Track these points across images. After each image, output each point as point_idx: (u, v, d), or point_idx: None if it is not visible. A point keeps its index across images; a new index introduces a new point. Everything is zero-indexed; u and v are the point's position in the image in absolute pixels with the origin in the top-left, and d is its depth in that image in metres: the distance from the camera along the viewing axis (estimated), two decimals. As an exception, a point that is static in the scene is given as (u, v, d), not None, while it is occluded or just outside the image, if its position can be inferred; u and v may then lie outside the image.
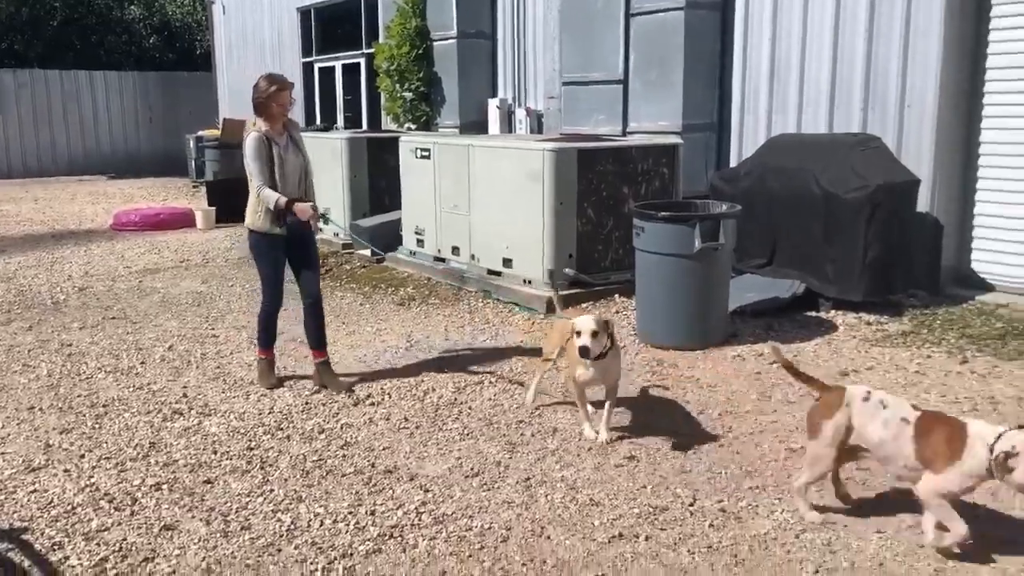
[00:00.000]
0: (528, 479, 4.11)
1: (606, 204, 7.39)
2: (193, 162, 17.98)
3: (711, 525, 3.65)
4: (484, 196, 7.85)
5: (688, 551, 3.45)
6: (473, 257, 8.06)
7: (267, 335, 5.61)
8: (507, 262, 7.64)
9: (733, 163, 8.65)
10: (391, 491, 4.02)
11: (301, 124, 15.93)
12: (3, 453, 4.49)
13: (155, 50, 25.30)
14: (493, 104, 11.66)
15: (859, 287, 6.70)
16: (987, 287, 7.27)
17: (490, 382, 5.51)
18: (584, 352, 4.31)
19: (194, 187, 17.42)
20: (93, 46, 23.99)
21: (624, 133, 9.26)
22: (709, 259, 6.02)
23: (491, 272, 7.83)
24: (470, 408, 5.06)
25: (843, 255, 6.73)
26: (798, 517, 3.68)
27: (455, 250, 8.32)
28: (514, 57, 11.60)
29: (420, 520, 3.74)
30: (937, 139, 7.20)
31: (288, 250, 5.47)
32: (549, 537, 3.59)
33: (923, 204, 7.17)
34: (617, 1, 9.20)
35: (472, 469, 4.23)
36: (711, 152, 9.02)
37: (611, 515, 3.75)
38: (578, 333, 4.35)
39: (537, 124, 11.22)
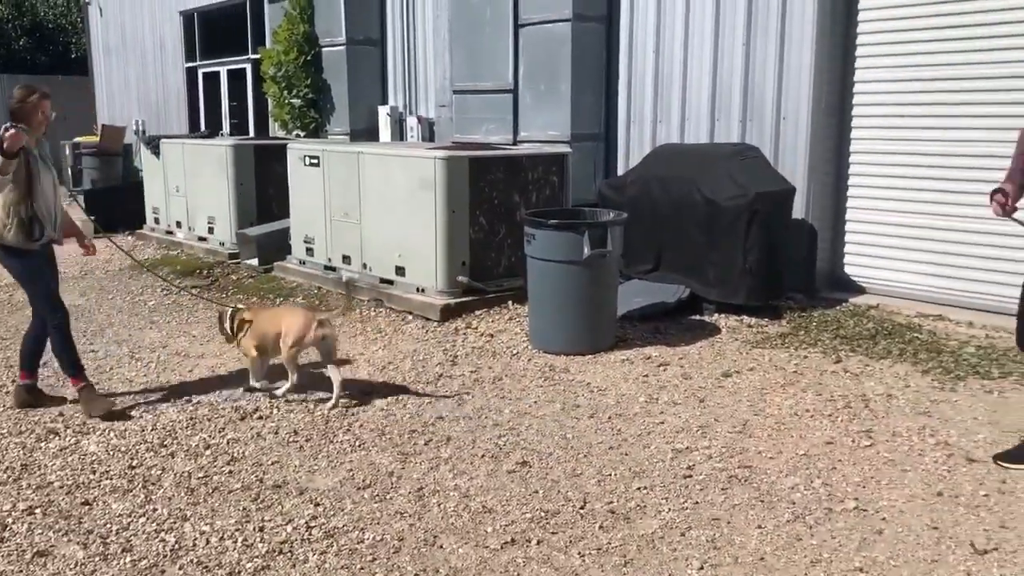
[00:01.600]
0: (421, 489, 4.10)
1: (498, 212, 7.45)
2: (70, 170, 17.18)
3: (601, 527, 3.72)
4: (375, 204, 7.79)
5: (579, 553, 3.51)
6: (365, 266, 7.99)
7: (72, 355, 5.19)
8: (400, 270, 7.60)
9: (620, 172, 8.85)
10: (280, 506, 3.94)
11: (185, 131, 15.51)
12: None
13: (26, 52, 24.09)
14: (384, 111, 11.59)
15: (740, 291, 6.95)
16: (859, 289, 7.66)
17: (382, 392, 5.46)
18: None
19: (70, 196, 16.63)
20: (-43, 47, 22.70)
21: (515, 142, 9.35)
22: (598, 265, 6.14)
23: (384, 280, 7.78)
24: (361, 419, 5.01)
25: (724, 260, 6.98)
26: (684, 516, 3.80)
27: (346, 259, 8.23)
28: (404, 65, 11.56)
29: (310, 535, 3.68)
30: (811, 150, 7.56)
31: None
32: (442, 546, 3.59)
33: (799, 211, 7.50)
34: (506, 11, 9.30)
35: (364, 481, 4.19)
36: (599, 161, 9.20)
37: (504, 521, 3.78)
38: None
39: (429, 132, 11.21)
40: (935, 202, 7.20)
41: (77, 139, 17.12)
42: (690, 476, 4.21)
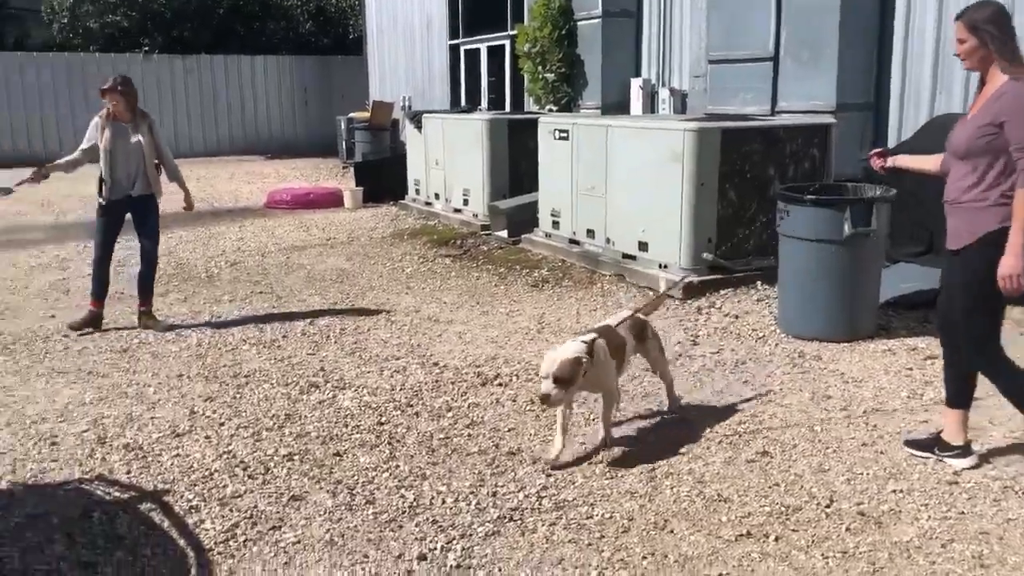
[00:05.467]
0: (653, 469, 3.98)
1: (750, 186, 7.09)
2: (344, 143, 18.58)
3: (848, 529, 3.42)
4: (621, 178, 7.69)
5: (822, 555, 3.24)
6: (608, 240, 7.93)
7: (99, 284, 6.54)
8: (643, 246, 7.47)
9: (891, 145, 8.12)
10: (513, 473, 3.99)
11: (447, 106, 16.19)
12: (153, 417, 4.75)
13: (311, 35, 26.27)
14: (636, 84, 11.43)
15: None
16: None
17: (620, 368, 5.38)
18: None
19: (344, 168, 18.00)
20: (255, 33, 25.15)
21: (773, 113, 8.86)
22: (859, 246, 5.66)
23: (626, 256, 7.68)
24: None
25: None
26: (947, 526, 3.40)
27: (590, 233, 8.21)
28: (659, 35, 11.31)
29: (541, 504, 3.69)
30: None
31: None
32: (672, 531, 3.46)
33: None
34: (768, -25, 8.79)
35: (596, 456, 4.14)
36: (867, 133, 8.50)
37: (739, 512, 3.58)
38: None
39: (681, 104, 10.92)
40: None
41: (351, 115, 18.45)
42: (956, 483, 3.77)
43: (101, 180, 6.34)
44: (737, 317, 6.34)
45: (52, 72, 21.04)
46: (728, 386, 5.04)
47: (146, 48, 23.02)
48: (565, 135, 8.47)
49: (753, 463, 4.04)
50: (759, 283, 6.97)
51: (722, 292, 6.87)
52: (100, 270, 6.47)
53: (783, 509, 3.60)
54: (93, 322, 6.46)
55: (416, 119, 12.10)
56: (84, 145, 6.40)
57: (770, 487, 3.80)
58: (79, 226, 11.20)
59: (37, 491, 3.89)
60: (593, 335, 4.12)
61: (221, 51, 23.27)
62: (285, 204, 12.90)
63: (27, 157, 19.87)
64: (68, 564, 3.28)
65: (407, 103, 18.06)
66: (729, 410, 4.67)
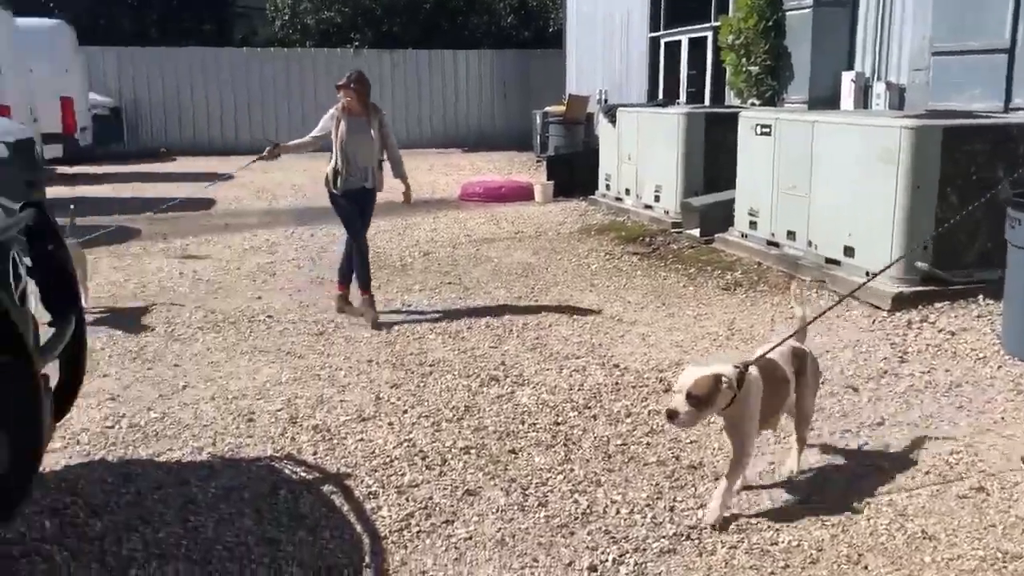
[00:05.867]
0: (848, 496, 3.66)
1: (974, 190, 6.41)
2: (538, 137, 18.70)
3: (1080, 588, 2.99)
4: (827, 177, 7.21)
5: (1046, 615, 2.85)
6: (810, 243, 7.46)
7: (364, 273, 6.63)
8: (848, 251, 6.97)
9: None
10: (693, 488, 3.79)
11: (643, 100, 15.92)
12: (342, 400, 4.91)
13: (512, 29, 26.67)
14: (848, 78, 10.71)
15: None
16: None
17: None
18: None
19: (537, 162, 18.13)
20: (458, 27, 25.83)
21: (1006, 110, 8.02)
22: (1105, 261, 4.99)
23: (829, 261, 7.19)
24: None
25: None
26: None
27: (790, 234, 7.76)
28: (876, 25, 10.54)
29: (721, 523, 3.47)
30: None
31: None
32: (867, 567, 3.16)
33: None
34: (1007, -43, 7.95)
35: (783, 477, 3.86)
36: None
37: (947, 554, 3.22)
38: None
39: (898, 100, 10.12)
40: None
41: (546, 108, 18.53)
42: None
43: (335, 171, 6.46)
44: (953, 334, 5.77)
45: (273, 67, 22.52)
46: (939, 410, 4.58)
47: (357, 43, 24.17)
48: (767, 130, 8.06)
49: (965, 499, 3.63)
50: (980, 297, 6.32)
51: (937, 305, 6.29)
52: (357, 257, 6.57)
53: (1000, 555, 3.20)
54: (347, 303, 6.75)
55: (611, 113, 11.95)
56: (316, 132, 6.58)
57: (985, 528, 3.39)
58: (289, 212, 11.90)
59: (233, 465, 4.09)
60: (748, 364, 3.50)
61: (427, 46, 24.05)
62: (478, 197, 13.13)
63: (250, 148, 21.53)
64: (254, 538, 3.41)
65: (603, 97, 17.92)
66: (939, 437, 4.24)
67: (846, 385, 4.95)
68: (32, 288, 3.17)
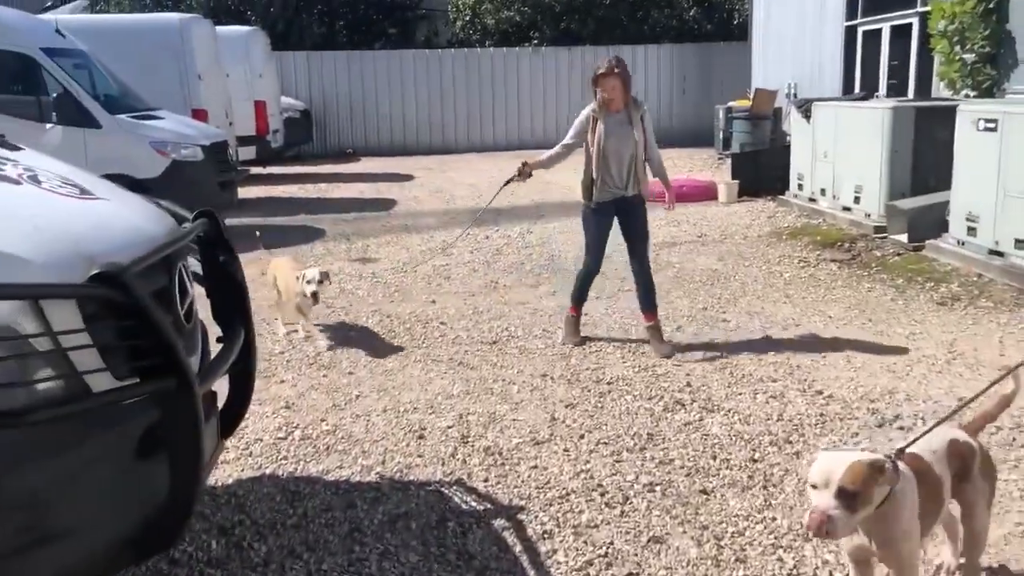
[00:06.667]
0: None
1: None
2: (720, 133, 17.88)
3: None
4: (1069, 179, 6.26)
5: None
6: (1045, 254, 6.52)
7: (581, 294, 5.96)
8: (1095, 264, 6.01)
9: None
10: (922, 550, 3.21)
11: (837, 93, 14.86)
12: (515, 420, 4.61)
13: (694, 21, 25.79)
14: (1085, 64, 9.43)
15: None
16: None
17: (1063, 423, 4.25)
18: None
19: (719, 159, 17.32)
20: (638, 22, 25.23)
21: None
22: None
23: (1069, 275, 6.25)
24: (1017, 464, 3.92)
25: None
26: None
27: (1019, 244, 6.82)
28: (1122, 3, 9.20)
29: (961, 603, 2.89)
30: None
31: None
32: None
33: None
34: None
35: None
36: None
37: None
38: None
39: None
40: None
41: (730, 103, 17.70)
42: None
43: (592, 180, 5.64)
44: None
45: (452, 67, 22.77)
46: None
47: (535, 41, 24.08)
48: (992, 125, 7.12)
49: None
50: None
51: None
52: (586, 281, 5.93)
53: None
54: (574, 327, 6.00)
55: (805, 107, 11.11)
56: (567, 140, 5.75)
57: None
58: (465, 212, 11.83)
59: (401, 488, 3.87)
60: (890, 459, 2.45)
61: (605, 42, 23.63)
62: (656, 196, 12.55)
63: (439, 148, 21.89)
64: (419, 577, 3.16)
65: (792, 91, 16.88)
66: None
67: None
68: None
